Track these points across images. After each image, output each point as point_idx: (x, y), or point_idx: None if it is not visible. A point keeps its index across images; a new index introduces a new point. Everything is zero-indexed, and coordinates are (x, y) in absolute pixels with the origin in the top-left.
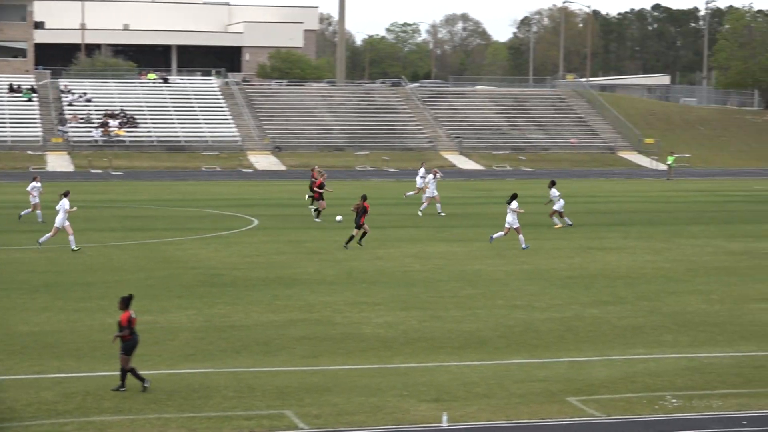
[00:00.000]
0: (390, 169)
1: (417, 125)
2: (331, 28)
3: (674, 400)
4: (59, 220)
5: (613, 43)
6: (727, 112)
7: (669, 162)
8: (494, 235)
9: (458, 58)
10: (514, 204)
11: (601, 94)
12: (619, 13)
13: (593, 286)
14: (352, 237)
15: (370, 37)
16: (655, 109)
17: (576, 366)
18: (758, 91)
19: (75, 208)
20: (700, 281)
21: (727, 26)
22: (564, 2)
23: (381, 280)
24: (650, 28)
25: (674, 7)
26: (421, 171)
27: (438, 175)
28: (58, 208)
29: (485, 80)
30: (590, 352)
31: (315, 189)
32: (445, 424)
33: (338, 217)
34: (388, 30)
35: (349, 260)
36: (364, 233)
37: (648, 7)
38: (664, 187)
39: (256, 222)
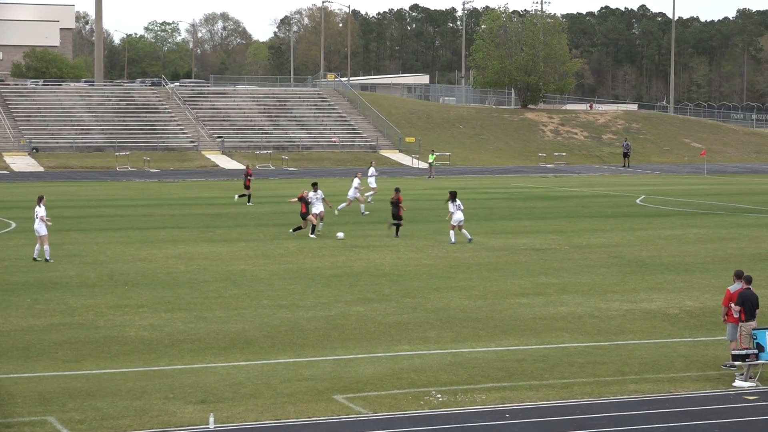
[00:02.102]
0: (151, 170)
1: (178, 125)
2: (88, 27)
3: (439, 396)
4: (38, 227)
5: (373, 43)
6: (485, 111)
7: (430, 160)
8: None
9: (219, 57)
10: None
11: (362, 93)
12: (379, 13)
13: (358, 284)
14: (314, 226)
15: (129, 36)
16: (416, 108)
17: (342, 364)
18: (515, 91)
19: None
20: (462, 277)
21: (483, 26)
22: (324, 2)
23: (144, 282)
24: (409, 28)
25: (432, 7)
26: (371, 170)
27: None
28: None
29: (247, 80)
30: (356, 350)
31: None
32: (212, 426)
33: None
34: (146, 29)
35: (110, 262)
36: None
37: (407, 7)
38: (426, 185)
39: (13, 225)
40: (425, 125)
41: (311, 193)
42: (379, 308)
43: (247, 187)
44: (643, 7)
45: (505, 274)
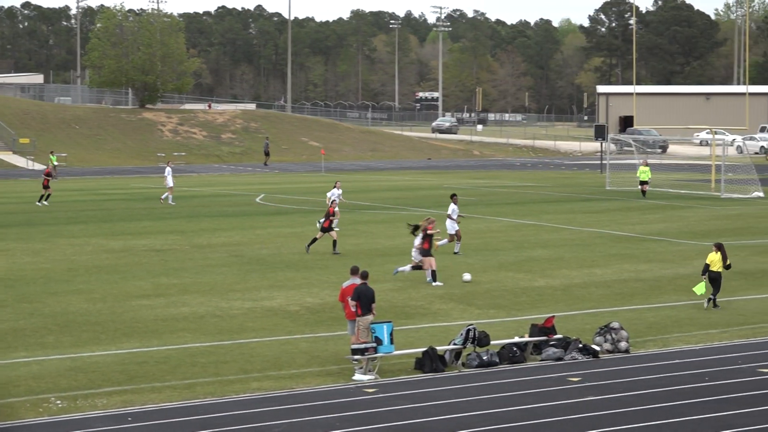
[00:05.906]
0: None
1: None
2: None
3: (59, 402)
4: None
5: None
6: (102, 110)
7: (54, 162)
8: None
9: None
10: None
11: None
12: None
13: None
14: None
15: None
16: (30, 109)
17: None
18: (132, 90)
19: None
20: (81, 280)
21: (99, 25)
22: None
23: None
24: (21, 26)
25: (45, 5)
26: (168, 169)
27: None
28: None
29: None
30: None
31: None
32: None
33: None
34: None
35: None
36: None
37: (18, 4)
38: (38, 187)
39: None
40: (40, 126)
41: (452, 206)
42: None
43: (45, 186)
44: (259, 7)
45: (125, 276)
